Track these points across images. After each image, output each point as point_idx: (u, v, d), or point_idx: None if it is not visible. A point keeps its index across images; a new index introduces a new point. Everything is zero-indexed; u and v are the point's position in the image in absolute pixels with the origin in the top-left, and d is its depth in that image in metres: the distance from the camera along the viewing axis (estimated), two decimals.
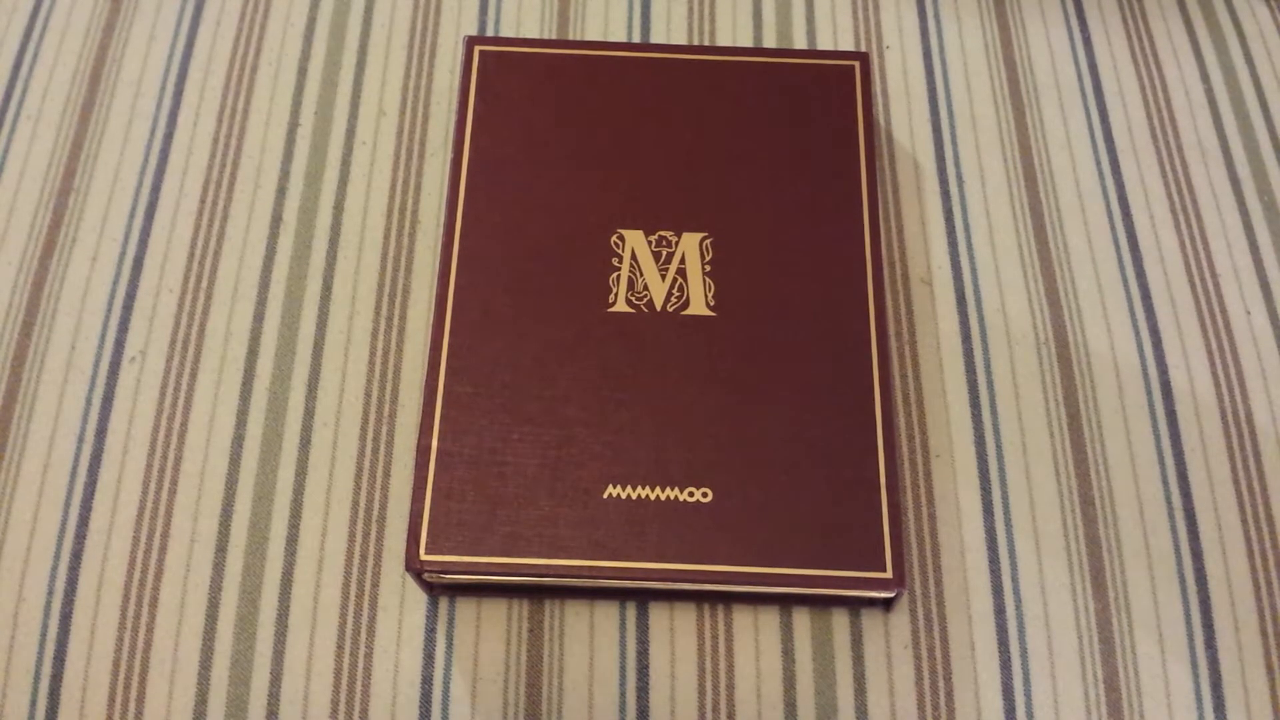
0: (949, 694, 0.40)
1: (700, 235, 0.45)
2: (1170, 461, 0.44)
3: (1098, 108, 0.52)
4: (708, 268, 0.44)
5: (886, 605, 0.41)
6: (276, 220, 0.48)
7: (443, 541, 0.39)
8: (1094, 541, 0.43)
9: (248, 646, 0.41)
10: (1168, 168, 0.50)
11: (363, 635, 0.41)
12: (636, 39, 0.53)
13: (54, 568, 0.42)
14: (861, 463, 0.41)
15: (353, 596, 0.42)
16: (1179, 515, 0.43)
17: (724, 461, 0.41)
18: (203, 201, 0.49)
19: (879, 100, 0.52)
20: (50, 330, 0.46)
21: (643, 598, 0.42)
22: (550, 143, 0.47)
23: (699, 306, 0.43)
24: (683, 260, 0.44)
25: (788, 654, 0.41)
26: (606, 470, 0.40)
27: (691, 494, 0.40)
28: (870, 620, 0.41)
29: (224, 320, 0.46)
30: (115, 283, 0.47)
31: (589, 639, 0.41)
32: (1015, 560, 0.42)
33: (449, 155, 0.50)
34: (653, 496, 0.40)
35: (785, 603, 0.42)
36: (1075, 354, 0.46)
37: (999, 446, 0.44)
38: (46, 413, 0.44)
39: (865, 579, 0.39)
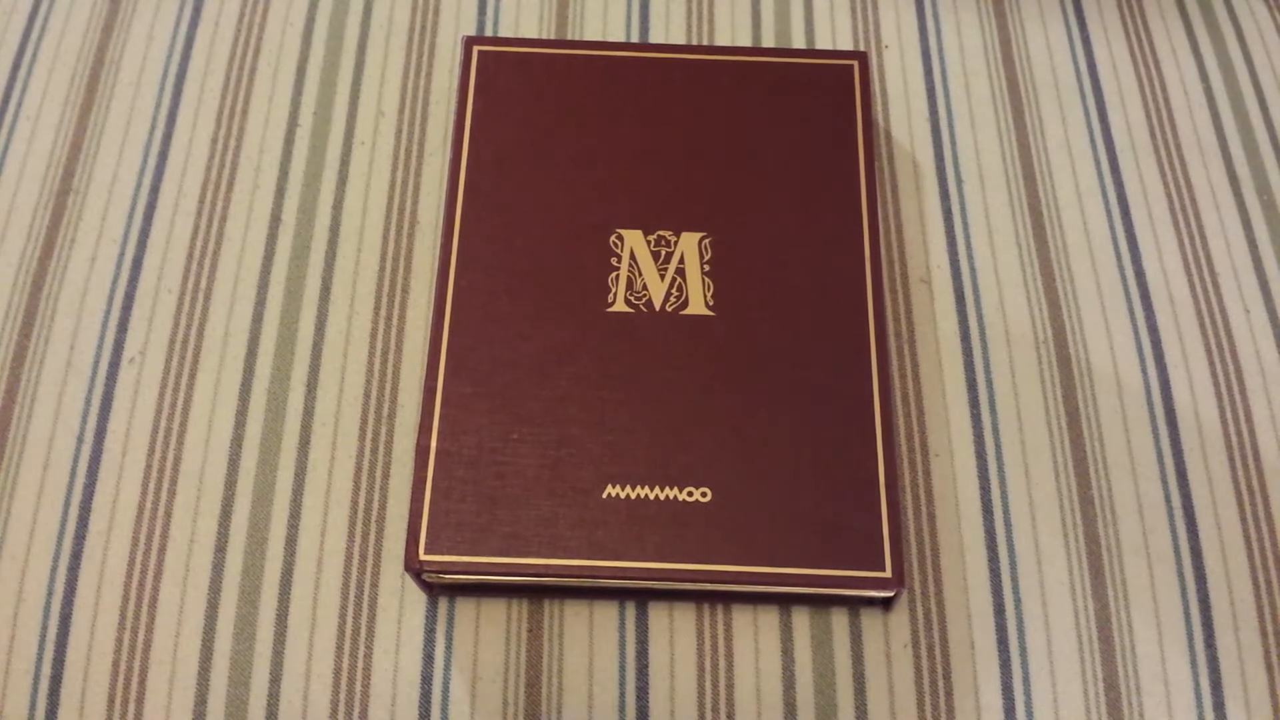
0: (949, 694, 0.40)
1: (699, 235, 0.45)
2: (1170, 461, 0.44)
3: (1097, 108, 0.52)
4: (707, 267, 0.44)
5: (886, 605, 0.41)
6: (275, 220, 0.48)
7: (442, 542, 0.39)
8: (1094, 541, 0.43)
9: (247, 647, 0.41)
10: (1167, 167, 0.50)
11: (362, 635, 0.41)
12: (635, 39, 0.53)
13: (54, 568, 0.42)
14: (861, 463, 0.41)
15: (352, 597, 0.42)
16: (1179, 515, 0.43)
17: (724, 461, 0.41)
18: (202, 201, 0.49)
19: (878, 100, 0.52)
20: (49, 330, 0.46)
21: (642, 598, 0.42)
22: (549, 143, 0.47)
23: (698, 306, 0.43)
24: (682, 260, 0.44)
25: (787, 654, 0.41)
26: (606, 470, 0.40)
27: (691, 494, 0.40)
28: (870, 620, 0.41)
29: (223, 320, 0.46)
30: (114, 283, 0.47)
31: (589, 639, 0.41)
32: (1015, 560, 0.42)
33: (448, 155, 0.50)
34: (652, 496, 0.40)
35: (785, 602, 0.42)
36: (1075, 354, 0.46)
37: (998, 446, 0.44)
38: (46, 413, 0.44)
39: (865, 578, 0.39)
